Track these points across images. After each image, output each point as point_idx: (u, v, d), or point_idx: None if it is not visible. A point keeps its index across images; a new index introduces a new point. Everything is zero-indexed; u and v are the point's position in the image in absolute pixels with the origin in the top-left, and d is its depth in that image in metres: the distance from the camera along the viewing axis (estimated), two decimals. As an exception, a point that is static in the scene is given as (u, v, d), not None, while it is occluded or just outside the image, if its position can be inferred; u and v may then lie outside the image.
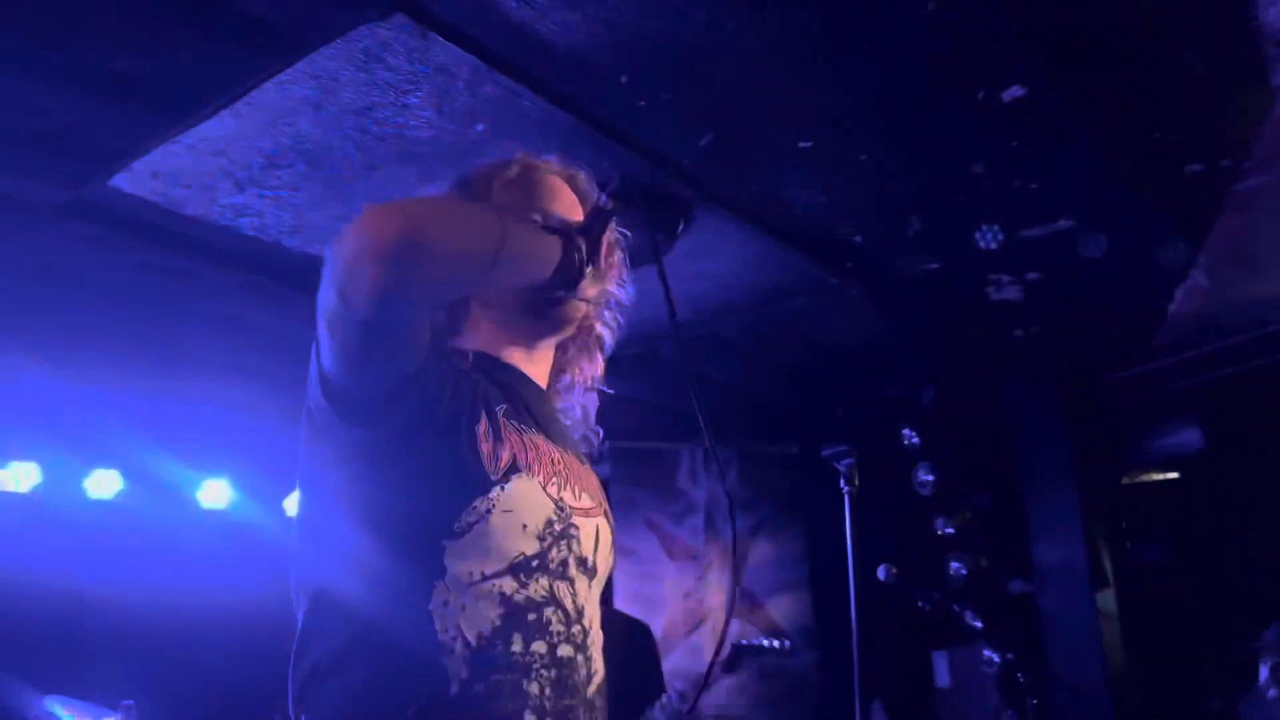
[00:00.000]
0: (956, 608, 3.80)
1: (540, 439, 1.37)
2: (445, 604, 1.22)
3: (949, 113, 2.79)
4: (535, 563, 1.28)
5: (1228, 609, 4.53)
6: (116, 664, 4.33)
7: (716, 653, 5.04)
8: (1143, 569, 4.85)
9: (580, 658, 1.31)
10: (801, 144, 2.91)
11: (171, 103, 2.46)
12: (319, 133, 2.74)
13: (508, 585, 1.25)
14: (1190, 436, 4.70)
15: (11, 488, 4.34)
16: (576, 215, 1.49)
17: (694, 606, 5.08)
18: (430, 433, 1.25)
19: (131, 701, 3.96)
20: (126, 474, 4.64)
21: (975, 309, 4.13)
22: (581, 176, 1.57)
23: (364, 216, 1.14)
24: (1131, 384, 4.75)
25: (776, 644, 4.91)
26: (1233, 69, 2.67)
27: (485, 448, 1.27)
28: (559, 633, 1.28)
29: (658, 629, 5.09)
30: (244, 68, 2.37)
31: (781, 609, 4.93)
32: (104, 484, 4.60)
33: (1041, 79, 2.64)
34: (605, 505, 1.48)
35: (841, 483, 2.22)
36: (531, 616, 1.26)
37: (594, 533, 1.40)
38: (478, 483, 1.26)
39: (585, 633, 1.33)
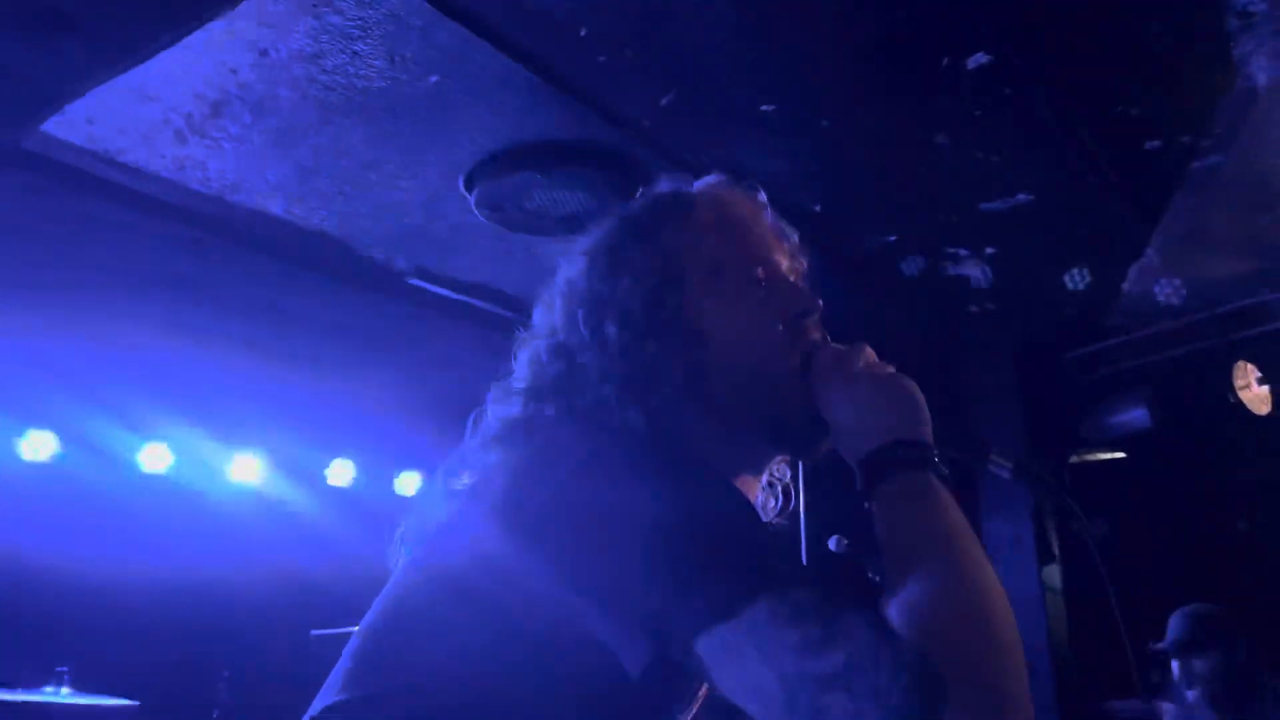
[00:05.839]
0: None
1: None
2: None
3: (913, 79, 2.76)
4: None
5: (1169, 584, 4.60)
6: (52, 630, 4.22)
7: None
8: (1086, 544, 4.90)
9: None
10: (764, 107, 2.86)
11: (107, 41, 2.35)
12: (265, 81, 2.64)
13: None
14: (1138, 415, 4.74)
15: (-59, 449, 4.19)
16: (782, 255, 1.23)
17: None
18: None
19: (66, 668, 3.86)
20: (63, 436, 4.49)
21: (932, 283, 4.12)
22: (762, 199, 1.29)
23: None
24: (1083, 363, 4.79)
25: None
26: (1195, 42, 2.66)
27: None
28: None
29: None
30: (186, 6, 2.26)
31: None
32: (39, 446, 4.46)
33: (1007, 46, 2.61)
34: None
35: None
36: None
37: None
38: None
39: None
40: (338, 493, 5.22)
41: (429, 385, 4.38)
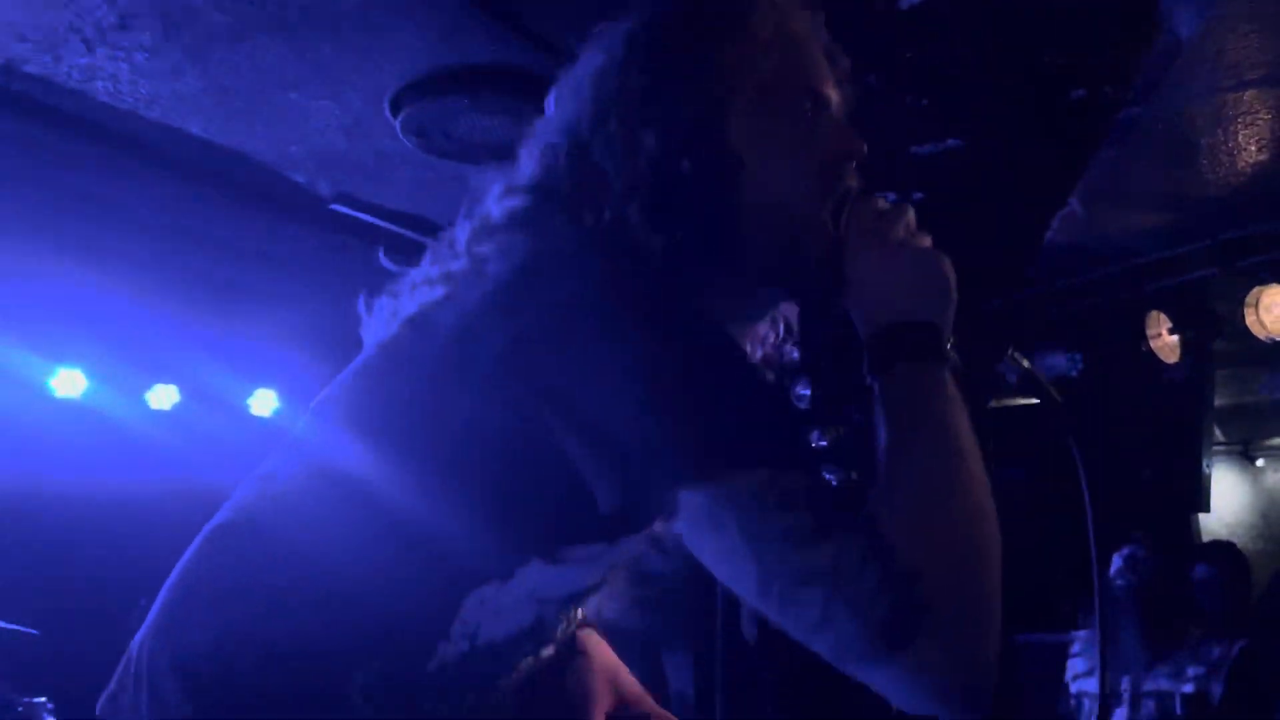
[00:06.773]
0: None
1: None
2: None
3: (847, 15, 2.73)
4: None
5: (1079, 526, 4.77)
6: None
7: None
8: (1004, 487, 5.05)
9: None
10: (696, 40, 2.82)
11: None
12: (178, -11, 2.53)
13: None
14: (1057, 363, 4.86)
15: None
16: (831, 88, 1.12)
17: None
18: None
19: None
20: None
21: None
22: (819, 14, 1.17)
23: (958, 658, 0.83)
24: (1005, 311, 4.88)
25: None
26: (1122, -7, 2.68)
27: None
28: None
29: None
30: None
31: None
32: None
33: (939, -12, 2.61)
34: None
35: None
36: None
37: None
38: None
39: None
40: (260, 422, 5.14)
41: (355, 315, 4.30)
